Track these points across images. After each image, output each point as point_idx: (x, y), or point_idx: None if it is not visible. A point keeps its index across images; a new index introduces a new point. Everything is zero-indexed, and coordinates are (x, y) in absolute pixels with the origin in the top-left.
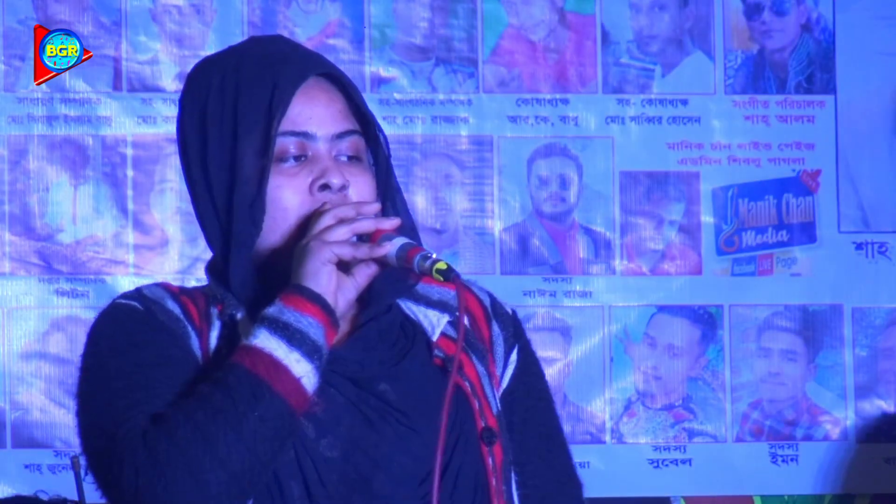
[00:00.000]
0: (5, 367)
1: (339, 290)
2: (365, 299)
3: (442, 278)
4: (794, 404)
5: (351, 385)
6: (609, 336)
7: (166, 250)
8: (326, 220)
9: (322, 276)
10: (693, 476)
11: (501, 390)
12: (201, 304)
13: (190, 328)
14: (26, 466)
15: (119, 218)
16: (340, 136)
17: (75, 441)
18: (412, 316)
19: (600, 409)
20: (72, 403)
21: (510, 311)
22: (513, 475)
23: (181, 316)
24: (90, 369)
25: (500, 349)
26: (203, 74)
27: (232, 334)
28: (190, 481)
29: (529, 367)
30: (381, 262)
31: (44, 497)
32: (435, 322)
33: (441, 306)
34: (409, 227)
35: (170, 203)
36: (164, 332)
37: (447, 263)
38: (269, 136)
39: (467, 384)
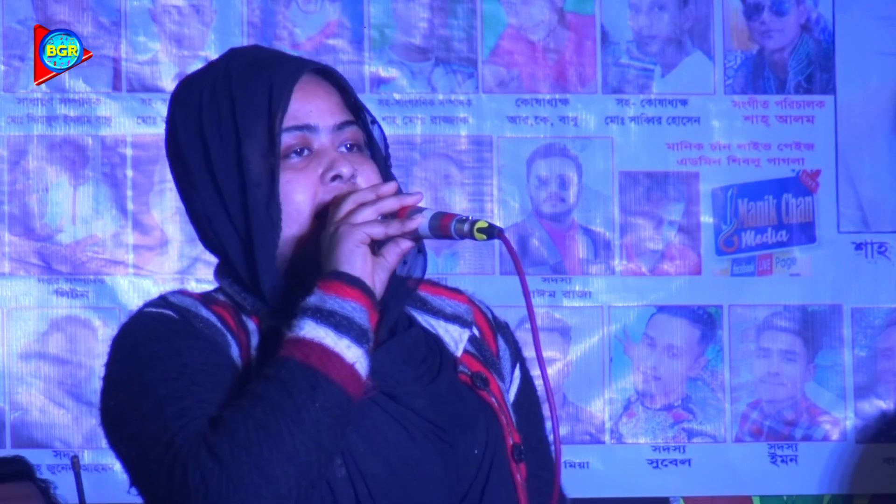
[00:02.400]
0: (5, 367)
1: (374, 272)
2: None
3: (485, 237)
4: (794, 404)
5: (390, 401)
6: (608, 336)
7: (166, 250)
8: (348, 206)
9: (357, 259)
10: (692, 476)
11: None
12: (231, 312)
13: (230, 337)
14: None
15: (118, 218)
16: (341, 126)
17: (75, 441)
18: (432, 330)
19: (600, 409)
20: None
21: (508, 325)
22: None
23: (218, 324)
24: (127, 379)
25: (506, 364)
26: (190, 90)
27: (274, 347)
28: (259, 479)
29: (529, 384)
30: (413, 236)
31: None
32: (457, 337)
33: (457, 320)
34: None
35: (169, 203)
36: (203, 340)
37: (488, 221)
38: (273, 135)
39: (493, 400)
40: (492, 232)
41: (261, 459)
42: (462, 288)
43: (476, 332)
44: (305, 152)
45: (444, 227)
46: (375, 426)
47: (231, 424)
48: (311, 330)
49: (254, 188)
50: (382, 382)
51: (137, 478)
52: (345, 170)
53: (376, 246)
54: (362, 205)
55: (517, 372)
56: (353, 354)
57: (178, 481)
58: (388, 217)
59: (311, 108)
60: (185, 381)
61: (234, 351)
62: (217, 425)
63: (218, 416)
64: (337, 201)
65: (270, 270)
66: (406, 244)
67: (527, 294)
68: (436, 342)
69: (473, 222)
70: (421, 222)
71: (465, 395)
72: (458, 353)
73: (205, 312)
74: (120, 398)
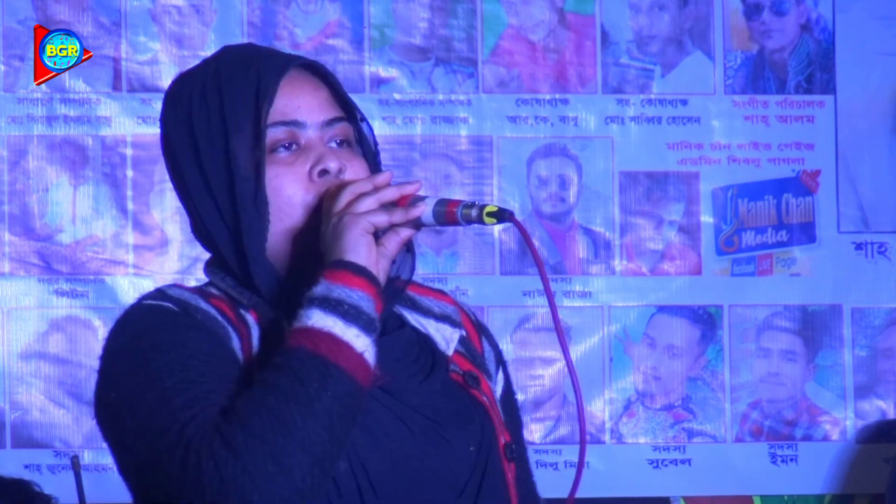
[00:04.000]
0: (5, 367)
1: (377, 262)
2: None
3: (495, 220)
4: (794, 404)
5: (388, 396)
6: (609, 336)
7: (166, 250)
8: (346, 196)
9: (362, 248)
10: (692, 476)
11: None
12: (228, 305)
13: (230, 329)
14: (26, 466)
15: (119, 218)
16: (330, 122)
17: (75, 441)
18: (422, 329)
19: (600, 409)
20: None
21: (488, 329)
22: None
23: (218, 317)
24: (130, 370)
25: (491, 366)
26: (182, 87)
27: (274, 339)
28: (274, 469)
29: (510, 388)
30: (414, 225)
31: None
32: (448, 337)
33: (447, 320)
34: None
35: (169, 203)
36: (204, 332)
37: (497, 205)
38: (259, 129)
39: (485, 399)
40: (502, 215)
41: (275, 449)
42: (445, 289)
43: (463, 332)
44: (293, 147)
45: (451, 213)
46: (376, 420)
47: (244, 414)
48: (320, 319)
49: (241, 182)
50: (381, 378)
51: (143, 473)
52: (332, 165)
53: (376, 235)
54: (362, 195)
55: (500, 375)
56: (362, 343)
57: (191, 472)
58: (389, 206)
59: (298, 104)
60: (190, 372)
61: (236, 343)
62: (229, 415)
63: (230, 406)
64: (330, 194)
65: (261, 263)
66: (406, 233)
67: (544, 277)
68: (427, 341)
69: (482, 207)
70: (425, 210)
71: (457, 393)
72: (450, 353)
73: (203, 305)
74: (122, 390)
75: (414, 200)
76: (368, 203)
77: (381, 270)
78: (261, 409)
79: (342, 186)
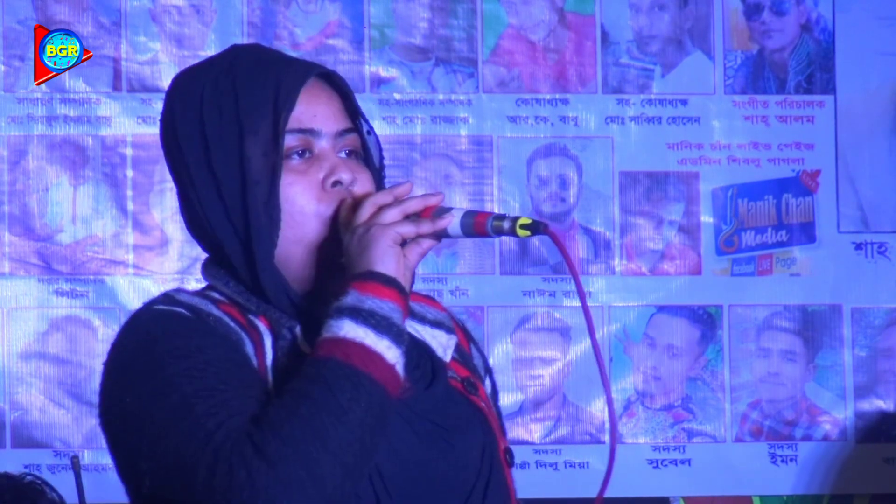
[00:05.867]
0: (5, 367)
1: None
2: None
3: (529, 233)
4: (794, 404)
5: (399, 403)
6: (608, 336)
7: (166, 250)
8: (368, 208)
9: (391, 259)
10: (692, 476)
11: None
12: (238, 311)
13: (244, 335)
14: (26, 466)
15: (119, 218)
16: (342, 133)
17: (75, 441)
18: (418, 336)
19: (600, 409)
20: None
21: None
22: None
23: (230, 322)
24: (145, 377)
25: (480, 373)
26: (191, 84)
27: (289, 346)
28: (307, 478)
29: (496, 395)
30: (442, 236)
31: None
32: (444, 343)
33: (441, 326)
34: None
35: (169, 203)
36: (218, 338)
37: (531, 217)
38: (276, 134)
39: (483, 405)
40: (537, 228)
41: (308, 458)
42: (433, 295)
43: (457, 338)
44: (306, 154)
45: (480, 224)
46: (391, 427)
47: (277, 422)
48: (351, 330)
49: (253, 185)
50: (408, 390)
51: (156, 476)
52: (345, 176)
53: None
54: (384, 206)
55: (488, 382)
56: (393, 355)
57: (220, 479)
58: (413, 217)
59: (315, 113)
60: (210, 379)
61: (249, 349)
62: (261, 423)
63: (261, 414)
64: (348, 205)
65: (269, 269)
66: (428, 244)
67: (579, 286)
68: (424, 348)
69: (515, 219)
70: (451, 221)
71: (459, 399)
72: (447, 359)
73: (215, 311)
74: (137, 396)
75: (439, 212)
76: (394, 214)
77: (406, 281)
78: (293, 418)
79: (361, 198)
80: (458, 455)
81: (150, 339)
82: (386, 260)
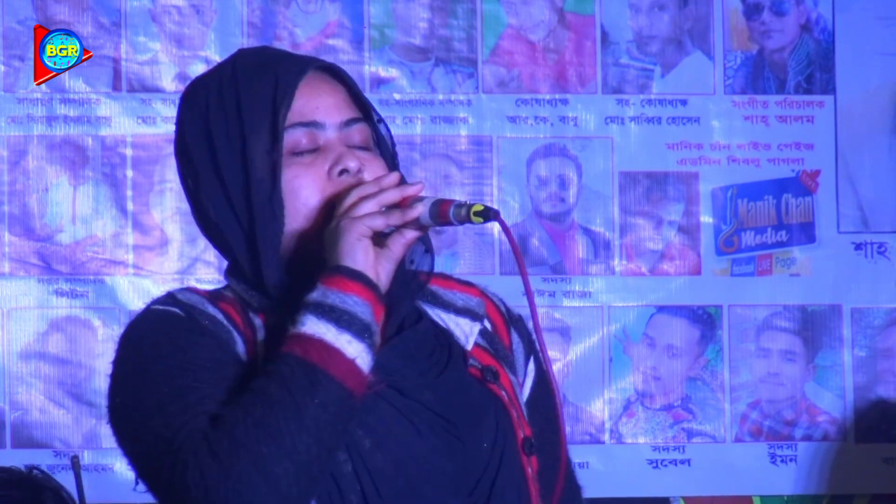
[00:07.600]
0: (5, 367)
1: (378, 264)
2: (386, 307)
3: (482, 220)
4: (793, 404)
5: (397, 395)
6: (608, 336)
7: (166, 250)
8: (350, 199)
9: (358, 252)
10: (692, 476)
11: (523, 400)
12: (238, 309)
13: (236, 334)
14: (26, 467)
15: (118, 218)
16: (348, 123)
17: (75, 441)
18: (442, 324)
19: (599, 409)
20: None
21: (522, 318)
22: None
23: (224, 321)
24: (131, 376)
25: (520, 357)
26: (198, 90)
27: (278, 343)
28: (258, 477)
29: (543, 378)
30: (417, 226)
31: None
32: (467, 331)
33: (468, 314)
34: None
35: (169, 203)
36: (209, 337)
37: (483, 204)
38: (276, 131)
39: (504, 394)
40: (488, 214)
41: (259, 457)
42: (475, 281)
43: (488, 325)
44: (314, 148)
45: (444, 213)
46: (381, 421)
47: (231, 421)
48: (312, 325)
49: (256, 183)
50: (389, 377)
51: (142, 475)
52: (352, 164)
53: (382, 238)
54: (364, 198)
55: (531, 366)
56: (354, 350)
57: (178, 479)
58: (390, 208)
59: (317, 105)
60: (187, 379)
61: (240, 347)
62: (217, 423)
63: (219, 414)
64: (343, 195)
65: (273, 265)
66: (411, 234)
67: (524, 276)
68: (445, 336)
69: (470, 206)
70: (421, 211)
71: (474, 388)
72: (469, 347)
73: (211, 309)
74: (125, 396)
75: (414, 202)
76: (368, 206)
77: (383, 273)
78: (247, 417)
79: (352, 188)
80: (465, 447)
81: (139, 341)
82: (353, 253)
